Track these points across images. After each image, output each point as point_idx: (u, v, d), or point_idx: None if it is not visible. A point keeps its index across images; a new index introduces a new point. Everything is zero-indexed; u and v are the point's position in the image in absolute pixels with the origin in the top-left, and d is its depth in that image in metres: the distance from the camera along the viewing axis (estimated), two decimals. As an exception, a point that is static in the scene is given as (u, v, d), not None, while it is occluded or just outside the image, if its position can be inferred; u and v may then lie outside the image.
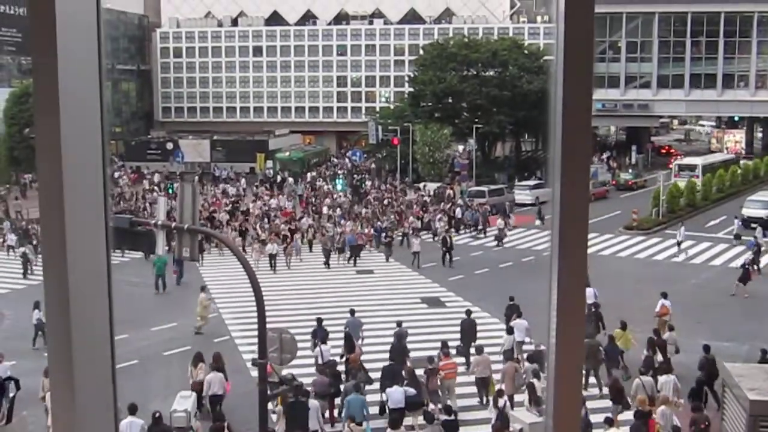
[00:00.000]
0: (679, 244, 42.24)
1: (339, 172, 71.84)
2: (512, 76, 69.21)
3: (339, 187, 62.19)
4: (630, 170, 70.43)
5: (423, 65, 73.72)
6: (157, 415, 18.61)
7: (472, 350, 23.38)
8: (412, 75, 76.72)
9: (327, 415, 20.82)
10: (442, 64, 70.97)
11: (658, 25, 79.58)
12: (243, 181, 67.06)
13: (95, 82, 1.95)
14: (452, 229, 46.17)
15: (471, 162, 66.61)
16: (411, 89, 75.80)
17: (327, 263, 39.85)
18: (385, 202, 53.46)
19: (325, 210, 50.67)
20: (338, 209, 50.59)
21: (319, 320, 25.46)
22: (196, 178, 61.08)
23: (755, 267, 36.36)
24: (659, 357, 22.78)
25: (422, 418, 19.08)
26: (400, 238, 44.27)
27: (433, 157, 65.64)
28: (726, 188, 58.73)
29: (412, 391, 19.95)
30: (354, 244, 40.73)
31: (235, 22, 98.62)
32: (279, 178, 68.10)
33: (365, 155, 78.01)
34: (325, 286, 35.15)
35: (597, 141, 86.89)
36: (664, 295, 27.22)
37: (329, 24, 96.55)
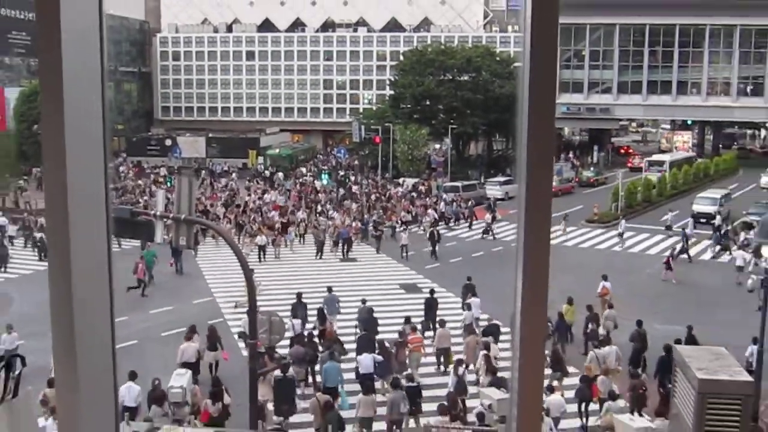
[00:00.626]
0: (620, 235, 42.73)
1: (324, 168, 71.79)
2: (485, 80, 69.34)
3: (325, 181, 62.16)
4: (592, 168, 70.77)
5: (403, 70, 73.66)
6: (156, 382, 18.80)
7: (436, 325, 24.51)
8: (392, 79, 76.67)
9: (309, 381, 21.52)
10: (421, 70, 71.00)
11: (618, 35, 79.82)
12: (234, 175, 66.86)
13: (98, 82, 1.94)
14: (441, 223, 46.07)
15: (446, 159, 66.64)
16: (392, 92, 75.73)
17: (320, 254, 39.30)
18: (373, 197, 53.30)
19: (319, 204, 50.02)
20: (328, 203, 50.36)
21: (299, 295, 25.92)
22: (199, 171, 60.78)
23: (686, 255, 37.50)
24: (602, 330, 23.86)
25: (389, 384, 19.41)
26: (390, 231, 43.85)
27: (411, 155, 65.69)
28: (679, 185, 59.11)
29: (379, 358, 20.92)
30: (346, 237, 40.26)
31: (229, 29, 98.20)
32: (269, 174, 67.93)
33: (349, 152, 77.92)
34: (312, 274, 35.10)
35: (562, 141, 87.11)
36: (605, 278, 28.13)
37: (317, 31, 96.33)
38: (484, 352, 21.02)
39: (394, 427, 18.67)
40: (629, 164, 72.12)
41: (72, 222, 1.79)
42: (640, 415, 18.99)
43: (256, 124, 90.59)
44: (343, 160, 76.60)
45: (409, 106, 70.77)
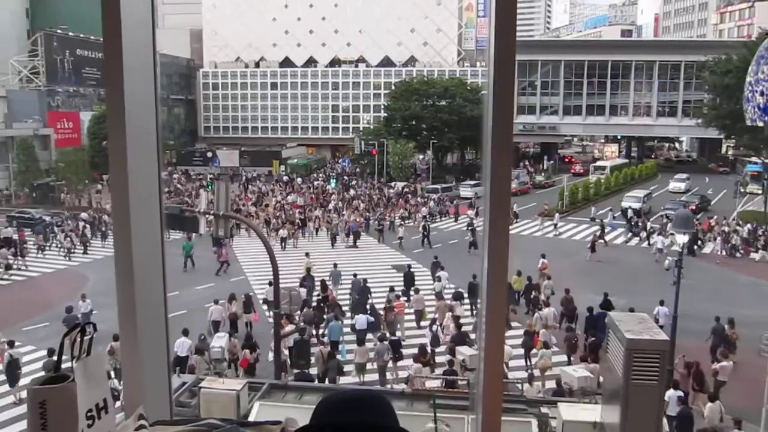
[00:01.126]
0: (555, 225, 42.75)
1: (332, 174, 71.60)
2: (459, 105, 69.21)
3: (333, 185, 62.04)
4: (543, 174, 70.63)
5: (394, 97, 73.51)
6: (203, 337, 19.48)
7: (412, 292, 25.23)
8: (386, 104, 76.51)
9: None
10: (408, 97, 70.84)
11: (563, 69, 79.85)
12: (263, 179, 66.72)
13: (152, 107, 1.94)
14: (431, 217, 45.69)
15: (429, 167, 66.67)
16: (385, 114, 75.53)
17: (333, 243, 38.62)
18: (375, 197, 53.00)
19: (331, 205, 49.30)
20: (339, 203, 49.79)
21: (308, 269, 26.18)
22: (234, 178, 60.65)
23: (602, 240, 37.51)
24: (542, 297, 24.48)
25: (377, 338, 19.88)
26: (389, 225, 43.18)
27: (401, 164, 65.62)
28: (612, 187, 59.10)
29: (371, 318, 21.74)
30: (355, 230, 39.62)
31: (257, 65, 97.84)
32: (288, 179, 67.81)
33: (352, 162, 77.65)
34: (325, 258, 34.92)
35: (519, 153, 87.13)
36: (543, 255, 28.94)
37: (326, 67, 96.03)
38: (450, 313, 21.87)
39: (382, 371, 19.05)
40: (572, 170, 72.03)
41: (132, 217, 1.79)
42: (570, 358, 19.32)
43: (279, 140, 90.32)
44: (347, 168, 76.43)
45: (399, 125, 70.63)
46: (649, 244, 38.13)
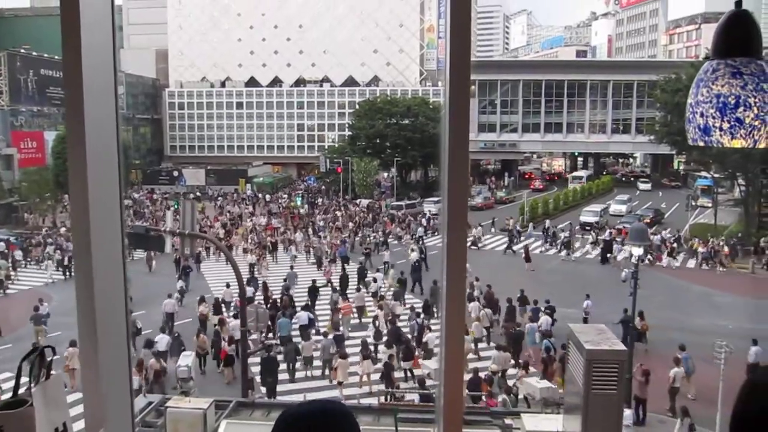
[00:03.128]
0: (510, 240, 42.29)
1: (298, 192, 71.28)
2: (421, 123, 69.63)
3: (299, 202, 61.76)
4: (504, 189, 71.27)
5: (358, 116, 73.69)
6: (176, 334, 21.62)
7: (354, 290, 27.80)
8: (350, 123, 76.65)
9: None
10: (372, 115, 71.05)
11: (522, 88, 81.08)
12: (226, 199, 66.10)
13: (113, 126, 1.91)
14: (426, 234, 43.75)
15: (393, 184, 66.80)
16: (350, 133, 75.64)
17: (319, 267, 34.96)
18: (339, 216, 51.07)
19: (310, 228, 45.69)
20: (320, 222, 47.75)
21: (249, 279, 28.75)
22: (199, 198, 59.96)
23: (511, 250, 39.50)
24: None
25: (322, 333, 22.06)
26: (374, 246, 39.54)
27: (366, 181, 65.69)
28: (570, 201, 59.86)
29: (311, 315, 23.47)
30: (344, 254, 35.90)
31: (223, 84, 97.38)
32: (254, 197, 67.40)
33: (317, 180, 77.50)
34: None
35: (481, 169, 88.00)
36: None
37: (291, 86, 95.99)
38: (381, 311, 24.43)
39: (327, 365, 20.60)
40: (532, 186, 72.87)
41: (93, 237, 1.75)
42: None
43: (245, 159, 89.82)
44: (313, 186, 76.22)
45: (363, 143, 70.69)
46: (605, 257, 38.60)
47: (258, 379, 18.81)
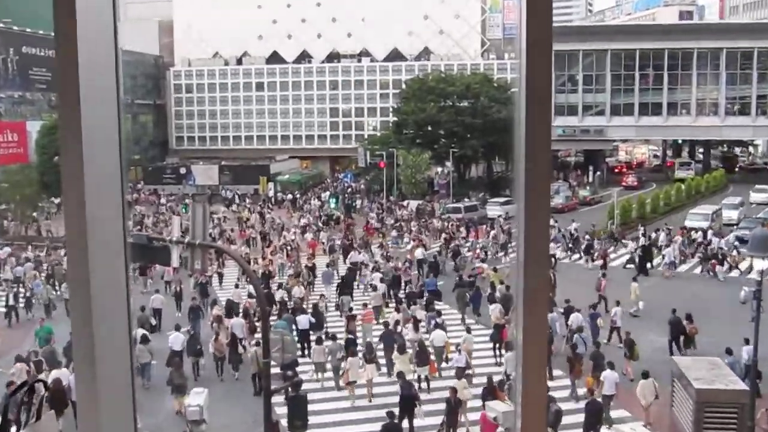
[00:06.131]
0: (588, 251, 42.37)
1: (332, 192, 71.72)
2: (483, 106, 69.46)
3: (333, 205, 62.21)
4: (588, 187, 70.55)
5: (405, 98, 73.96)
6: (192, 332, 25.04)
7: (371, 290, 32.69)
8: (395, 106, 76.99)
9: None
10: (422, 97, 71.21)
11: (610, 60, 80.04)
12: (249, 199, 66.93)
13: (114, 114, 1.94)
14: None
15: (448, 182, 66.71)
16: (395, 119, 75.97)
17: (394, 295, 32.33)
18: (390, 220, 51.94)
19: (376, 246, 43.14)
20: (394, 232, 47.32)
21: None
22: (212, 198, 60.69)
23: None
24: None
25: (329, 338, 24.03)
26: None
27: (414, 178, 65.87)
28: (672, 202, 58.86)
29: (312, 319, 26.55)
30: (434, 289, 32.79)
31: (239, 62, 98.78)
32: (282, 198, 68.23)
33: (356, 177, 78.02)
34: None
35: (558, 162, 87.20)
36: (603, 275, 32.62)
37: (323, 62, 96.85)
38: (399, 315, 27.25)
39: (336, 371, 23.09)
40: (623, 183, 71.88)
41: (90, 248, 1.79)
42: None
43: (267, 152, 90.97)
44: (350, 184, 76.63)
45: (411, 131, 70.96)
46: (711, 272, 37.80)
47: (284, 422, 18.95)
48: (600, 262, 38.51)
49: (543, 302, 1.78)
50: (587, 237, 43.62)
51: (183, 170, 78.17)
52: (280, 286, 32.61)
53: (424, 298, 30.59)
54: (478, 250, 42.22)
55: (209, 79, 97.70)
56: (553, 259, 39.68)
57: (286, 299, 30.54)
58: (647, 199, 55.95)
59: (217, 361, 24.35)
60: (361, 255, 39.56)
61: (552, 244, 40.75)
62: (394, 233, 48.27)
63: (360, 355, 23.47)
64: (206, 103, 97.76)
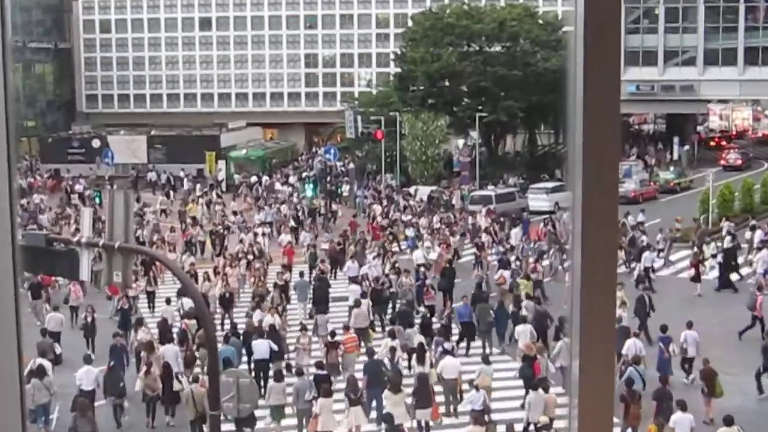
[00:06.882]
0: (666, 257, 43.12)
1: (310, 174, 70.69)
2: (524, 51, 69.49)
3: (309, 193, 61.70)
4: (672, 168, 70.39)
5: (413, 39, 73.92)
6: (111, 363, 25.69)
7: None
8: (399, 52, 76.89)
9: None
10: (437, 38, 71.13)
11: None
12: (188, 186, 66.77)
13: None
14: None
15: (473, 160, 66.63)
16: (398, 70, 75.93)
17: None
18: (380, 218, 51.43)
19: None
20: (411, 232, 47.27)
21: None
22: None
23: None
24: None
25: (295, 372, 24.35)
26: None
27: (426, 155, 65.64)
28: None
29: (274, 346, 26.82)
30: (468, 320, 32.38)
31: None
32: (238, 182, 67.86)
33: (342, 152, 77.71)
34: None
35: (630, 131, 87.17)
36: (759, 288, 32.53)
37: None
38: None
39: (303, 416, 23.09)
40: (722, 161, 71.86)
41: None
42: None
43: (215, 117, 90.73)
44: (333, 163, 76.35)
45: (421, 88, 70.89)
46: None
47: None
48: (692, 272, 38.59)
49: (609, 327, 1.79)
50: (662, 238, 43.80)
51: (96, 143, 77.87)
52: (247, 315, 32.82)
53: (455, 332, 30.73)
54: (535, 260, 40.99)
55: (134, 14, 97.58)
56: (648, 271, 39.43)
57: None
58: (755, 184, 55.83)
59: (148, 402, 24.68)
60: (369, 265, 39.05)
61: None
62: (410, 233, 47.69)
63: (341, 395, 23.43)
64: (129, 48, 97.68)
